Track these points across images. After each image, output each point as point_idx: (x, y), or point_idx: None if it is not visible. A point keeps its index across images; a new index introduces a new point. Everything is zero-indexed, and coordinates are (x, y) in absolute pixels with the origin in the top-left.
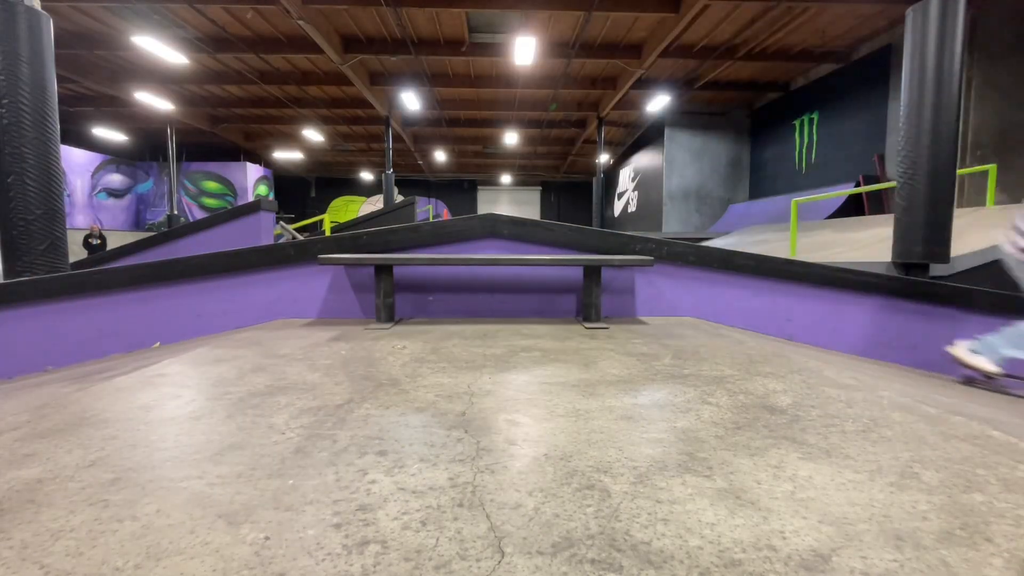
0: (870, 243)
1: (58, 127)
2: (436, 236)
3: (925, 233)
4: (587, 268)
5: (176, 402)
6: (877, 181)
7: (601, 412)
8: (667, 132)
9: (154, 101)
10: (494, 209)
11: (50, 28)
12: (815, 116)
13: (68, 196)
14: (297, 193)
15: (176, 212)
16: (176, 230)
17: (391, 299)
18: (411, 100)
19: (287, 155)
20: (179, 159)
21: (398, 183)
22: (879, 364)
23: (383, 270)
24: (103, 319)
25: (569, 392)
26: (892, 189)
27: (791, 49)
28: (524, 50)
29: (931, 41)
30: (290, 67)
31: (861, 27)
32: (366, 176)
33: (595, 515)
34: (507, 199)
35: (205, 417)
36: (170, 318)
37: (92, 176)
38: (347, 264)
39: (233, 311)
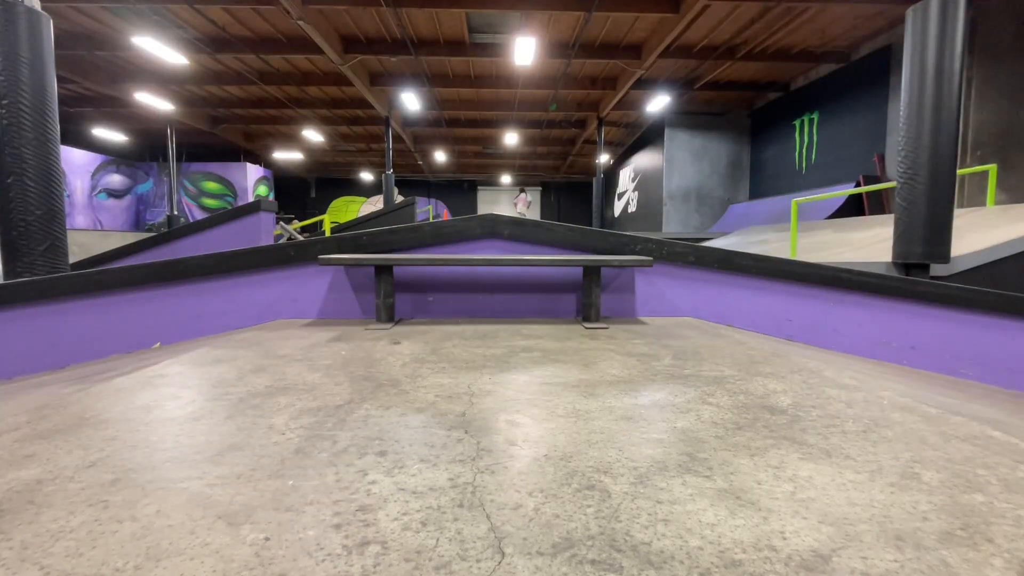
0: (870, 243)
1: (58, 128)
2: (436, 236)
3: (925, 233)
4: (587, 268)
5: (176, 403)
6: (877, 181)
7: (601, 412)
8: (667, 132)
9: (154, 102)
10: (494, 209)
11: (50, 29)
12: (815, 116)
13: (68, 197)
14: (297, 193)
15: (176, 212)
16: (176, 230)
17: (391, 299)
18: (411, 100)
19: (287, 155)
20: (179, 159)
21: (398, 183)
22: (879, 364)
23: (383, 270)
24: (103, 320)
25: (569, 392)
26: (892, 189)
27: (791, 49)
28: (524, 50)
29: (931, 41)
30: (290, 67)
31: (861, 27)
32: (366, 176)
33: (595, 516)
34: (507, 199)
35: (205, 418)
36: (170, 318)
37: (92, 176)
38: (347, 264)
39: (233, 311)
